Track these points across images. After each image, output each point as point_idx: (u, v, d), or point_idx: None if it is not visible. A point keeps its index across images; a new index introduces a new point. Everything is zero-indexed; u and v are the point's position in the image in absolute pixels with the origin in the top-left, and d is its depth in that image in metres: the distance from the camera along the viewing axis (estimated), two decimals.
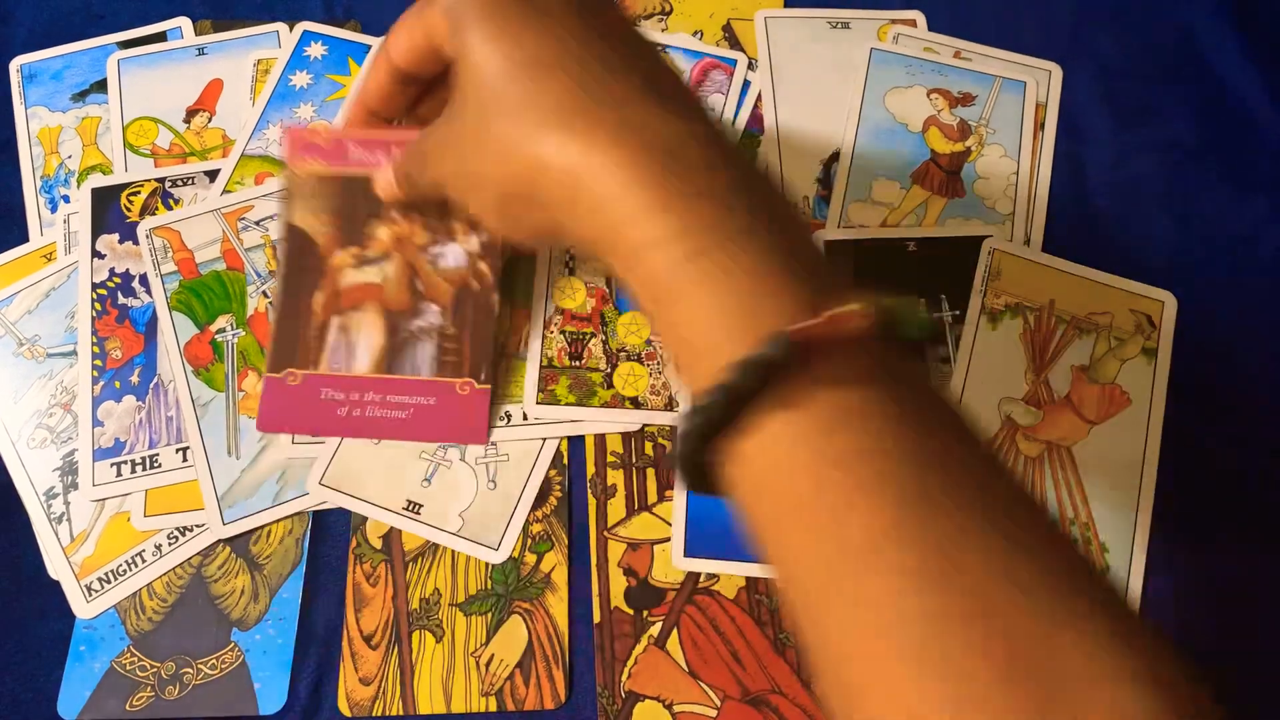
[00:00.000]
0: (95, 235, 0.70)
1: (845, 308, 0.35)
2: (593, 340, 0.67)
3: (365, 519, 0.63)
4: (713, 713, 0.58)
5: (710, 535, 0.61)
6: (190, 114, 0.76)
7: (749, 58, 0.78)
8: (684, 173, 0.39)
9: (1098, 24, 0.80)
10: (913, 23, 0.79)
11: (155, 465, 0.64)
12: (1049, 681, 0.30)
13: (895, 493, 0.33)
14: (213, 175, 0.73)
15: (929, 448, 0.35)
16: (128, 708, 0.59)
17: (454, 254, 0.65)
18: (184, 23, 0.81)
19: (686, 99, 0.44)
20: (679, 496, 0.62)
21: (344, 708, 0.58)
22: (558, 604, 0.61)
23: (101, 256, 0.69)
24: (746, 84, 0.77)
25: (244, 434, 0.64)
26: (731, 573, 0.61)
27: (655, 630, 0.60)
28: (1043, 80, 0.77)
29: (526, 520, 0.63)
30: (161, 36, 0.80)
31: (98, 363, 0.66)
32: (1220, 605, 0.61)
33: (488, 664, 0.59)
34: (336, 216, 0.65)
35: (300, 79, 0.77)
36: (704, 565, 0.61)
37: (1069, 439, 0.63)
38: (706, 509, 0.62)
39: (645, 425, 0.65)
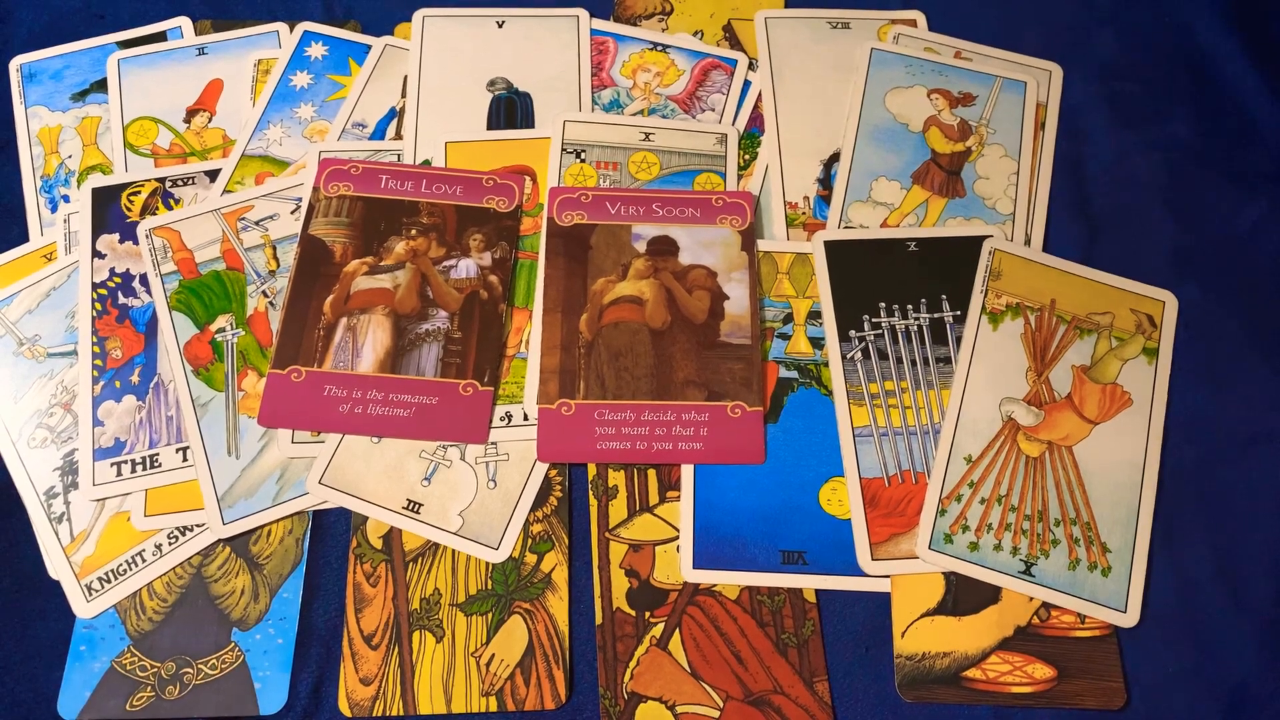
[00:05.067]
0: (95, 235, 0.70)
1: None
2: None
3: (365, 519, 0.63)
4: (715, 713, 0.57)
5: (718, 545, 0.61)
6: (190, 114, 0.76)
7: (749, 58, 0.78)
8: None
9: (1098, 24, 0.81)
10: (913, 23, 0.79)
11: (155, 465, 0.63)
12: None
13: None
14: (213, 175, 0.73)
15: None
16: (128, 708, 0.58)
17: (466, 267, 0.67)
18: (184, 22, 0.81)
19: None
20: (685, 506, 0.62)
21: (344, 708, 0.58)
22: (558, 604, 0.61)
23: (102, 256, 0.69)
24: (747, 84, 0.77)
25: (244, 434, 0.64)
26: (740, 583, 0.61)
27: (657, 631, 0.60)
28: (1043, 80, 0.77)
29: (527, 520, 0.63)
30: (161, 36, 0.80)
31: (98, 362, 0.66)
32: (1222, 604, 0.61)
33: (488, 664, 0.59)
34: (355, 230, 0.68)
35: (301, 79, 0.77)
36: (713, 576, 0.61)
37: (1070, 439, 0.63)
38: (713, 518, 0.62)
39: None
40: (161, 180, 0.72)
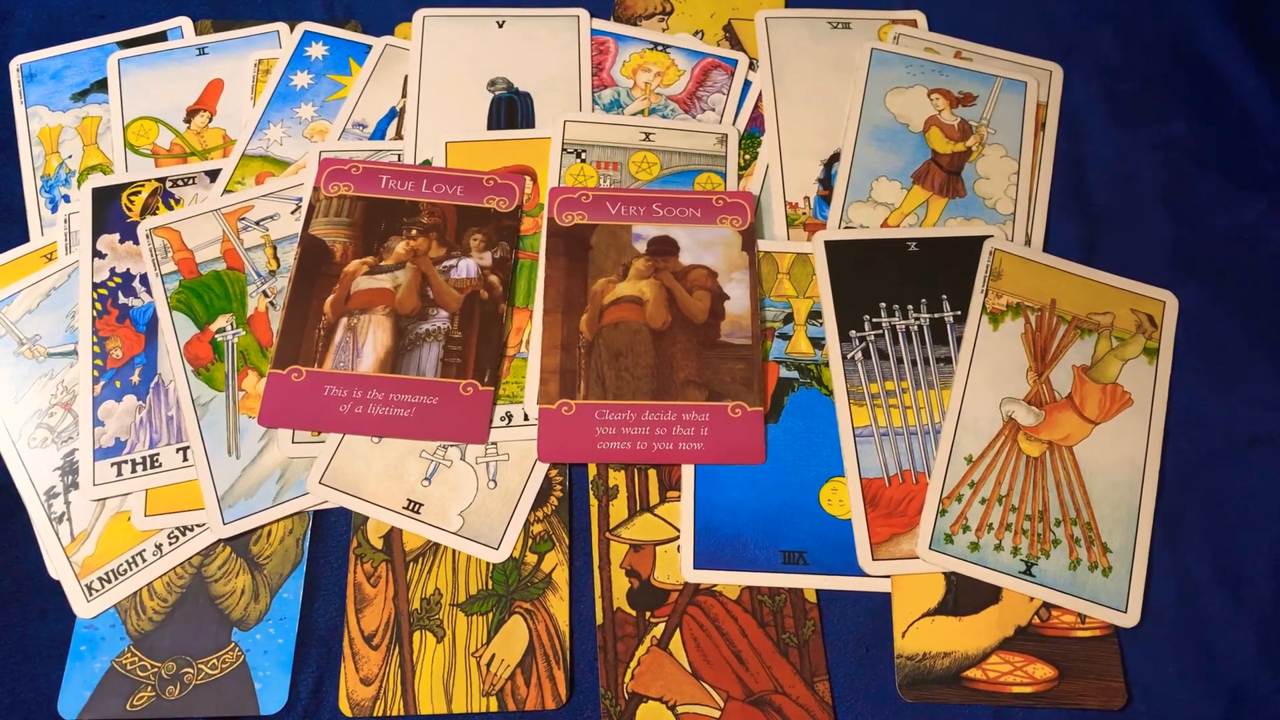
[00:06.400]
0: (96, 235, 0.70)
1: None
2: None
3: (366, 519, 0.63)
4: (716, 713, 0.57)
5: (719, 545, 0.61)
6: (191, 114, 0.76)
7: (750, 58, 0.78)
8: None
9: (1098, 24, 0.81)
10: (913, 23, 0.79)
11: (155, 465, 0.63)
12: None
13: None
14: (213, 175, 0.73)
15: None
16: (128, 708, 0.58)
17: (466, 267, 0.67)
18: (184, 22, 0.81)
19: None
20: (686, 506, 0.62)
21: (345, 708, 0.58)
22: (559, 604, 0.61)
23: (102, 256, 0.69)
24: (747, 84, 0.77)
25: (244, 433, 0.64)
26: (741, 583, 0.61)
27: (658, 631, 0.60)
28: (1043, 80, 0.77)
29: (527, 520, 0.63)
30: (162, 36, 0.80)
31: (98, 362, 0.66)
32: (1222, 604, 0.61)
33: (489, 664, 0.59)
34: (356, 230, 0.68)
35: (301, 79, 0.77)
36: (714, 576, 0.61)
37: (1071, 439, 0.63)
38: (714, 518, 0.62)
39: None
40: (162, 180, 0.72)
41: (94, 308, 0.68)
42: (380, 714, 0.58)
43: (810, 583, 0.61)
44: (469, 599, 0.61)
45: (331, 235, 0.68)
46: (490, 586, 0.61)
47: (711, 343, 0.65)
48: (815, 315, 0.67)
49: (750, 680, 0.58)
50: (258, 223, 0.70)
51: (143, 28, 0.80)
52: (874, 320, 0.67)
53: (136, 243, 0.69)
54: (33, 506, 0.63)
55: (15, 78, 0.78)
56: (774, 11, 0.79)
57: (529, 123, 0.75)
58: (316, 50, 0.78)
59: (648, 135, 0.73)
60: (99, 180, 0.72)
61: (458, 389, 0.64)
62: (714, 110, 0.76)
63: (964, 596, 0.60)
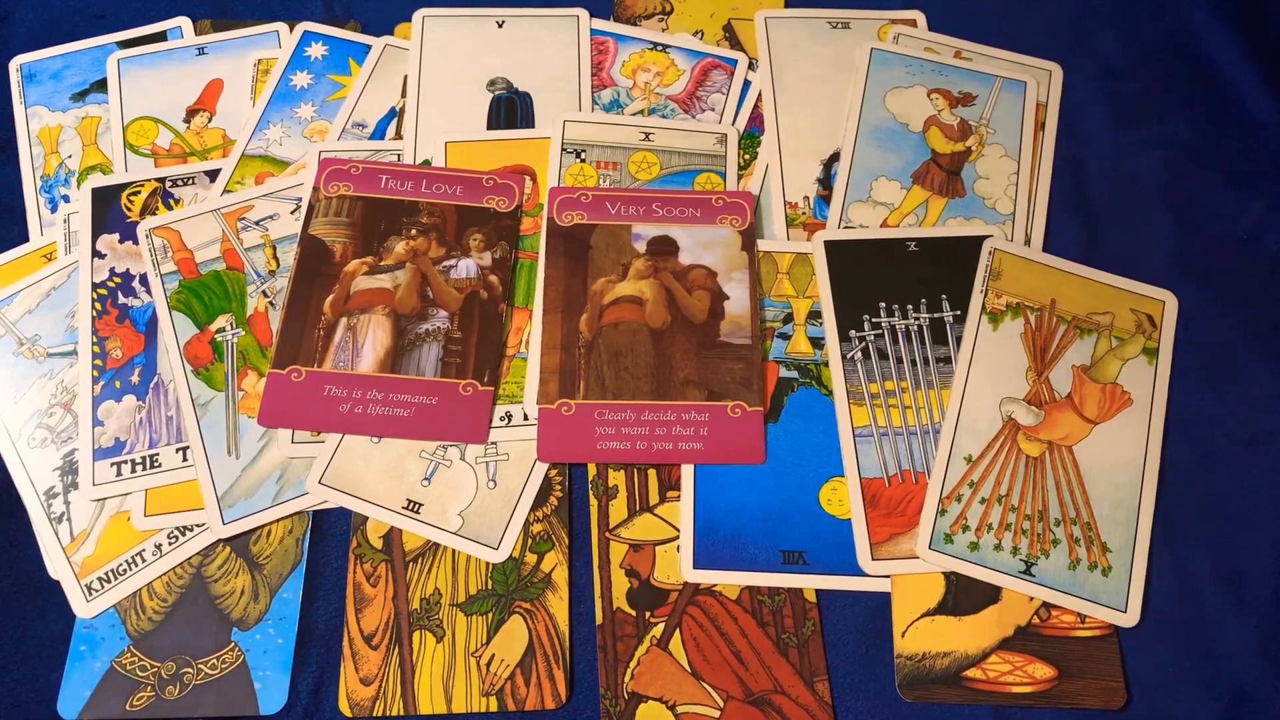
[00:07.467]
0: (95, 235, 0.70)
1: None
2: None
3: (365, 519, 0.63)
4: (715, 713, 0.57)
5: (719, 545, 0.61)
6: (190, 114, 0.76)
7: (749, 57, 0.78)
8: None
9: (1098, 24, 0.81)
10: (913, 22, 0.79)
11: (155, 465, 0.63)
12: None
13: None
14: (213, 175, 0.73)
15: None
16: (128, 708, 0.58)
17: (466, 267, 0.67)
18: (184, 22, 0.81)
19: None
20: (685, 506, 0.62)
21: (344, 708, 0.58)
22: (558, 604, 0.61)
23: (102, 256, 0.69)
24: (747, 84, 0.77)
25: (244, 433, 0.64)
26: (741, 583, 0.61)
27: (658, 631, 0.60)
28: (1043, 80, 0.77)
29: (527, 520, 0.63)
30: (161, 36, 0.80)
31: (98, 362, 0.66)
32: (1222, 604, 0.61)
33: (488, 664, 0.59)
34: (355, 230, 0.68)
35: (301, 79, 0.77)
36: (714, 576, 0.61)
37: (1070, 439, 0.63)
38: (714, 518, 0.62)
39: None
40: (161, 180, 0.72)
41: (94, 308, 0.68)
42: (380, 714, 0.58)
43: (810, 583, 0.61)
44: (469, 599, 0.61)
45: (331, 235, 0.68)
46: (490, 586, 0.61)
47: (711, 343, 0.65)
48: (815, 315, 0.67)
49: (750, 680, 0.58)
50: (257, 223, 0.70)
51: (142, 28, 0.80)
52: (874, 320, 0.67)
53: (136, 243, 0.69)
54: (32, 506, 0.63)
55: (15, 78, 0.78)
56: (774, 11, 0.79)
57: (529, 123, 0.75)
58: (316, 50, 0.78)
59: (647, 135, 0.73)
60: (99, 180, 0.72)
61: (457, 389, 0.64)
62: (714, 110, 0.76)
63: (964, 596, 0.60)
